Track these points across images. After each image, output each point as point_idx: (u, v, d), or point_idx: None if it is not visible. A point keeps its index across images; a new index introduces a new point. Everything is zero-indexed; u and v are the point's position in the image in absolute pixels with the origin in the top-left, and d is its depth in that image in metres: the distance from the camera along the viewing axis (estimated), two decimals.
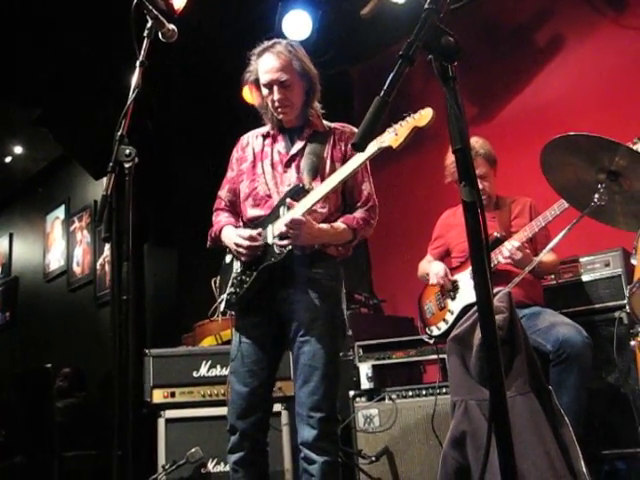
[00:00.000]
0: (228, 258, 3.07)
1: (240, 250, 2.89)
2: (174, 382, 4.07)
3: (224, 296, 2.98)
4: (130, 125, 2.32)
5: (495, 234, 3.66)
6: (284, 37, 5.22)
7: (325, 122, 3.09)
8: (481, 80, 5.28)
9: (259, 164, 3.04)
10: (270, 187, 2.97)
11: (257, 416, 2.88)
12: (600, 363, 3.61)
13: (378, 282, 5.93)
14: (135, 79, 2.38)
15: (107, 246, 7.28)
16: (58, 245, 8.58)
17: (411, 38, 1.37)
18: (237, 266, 2.99)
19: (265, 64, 2.96)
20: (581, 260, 3.93)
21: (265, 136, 3.11)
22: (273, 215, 2.90)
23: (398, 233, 5.70)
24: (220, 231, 3.05)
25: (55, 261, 8.58)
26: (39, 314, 8.68)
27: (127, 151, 2.24)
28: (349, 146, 2.94)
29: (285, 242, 2.79)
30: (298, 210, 2.77)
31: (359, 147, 1.37)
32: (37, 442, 4.70)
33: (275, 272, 2.85)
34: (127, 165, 2.24)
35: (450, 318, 3.79)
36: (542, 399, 2.66)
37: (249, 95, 5.72)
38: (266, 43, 3.02)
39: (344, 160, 2.94)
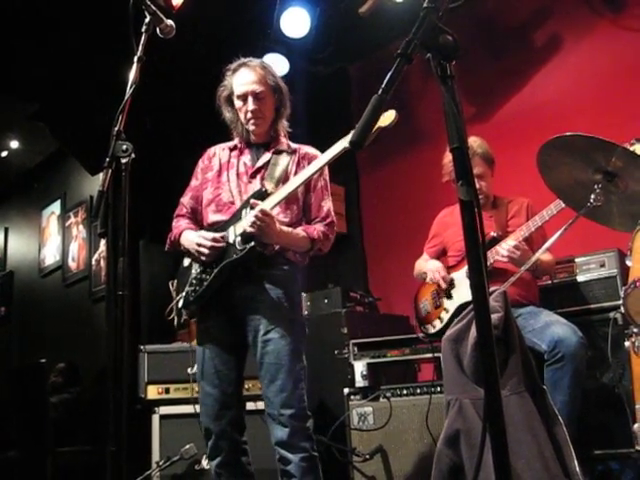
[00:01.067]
0: (186, 261, 3.14)
1: (202, 250, 2.96)
2: (169, 378, 4.09)
3: (182, 294, 3.04)
4: (128, 121, 2.33)
5: (492, 233, 3.67)
6: (282, 34, 5.23)
7: (289, 142, 3.19)
8: (478, 80, 5.29)
9: (224, 173, 3.14)
10: (234, 194, 3.07)
11: (231, 416, 2.93)
12: (595, 363, 3.62)
13: (374, 280, 5.94)
14: (133, 75, 2.38)
15: (103, 242, 7.27)
16: (54, 240, 8.56)
17: (409, 36, 1.37)
18: (196, 267, 3.06)
19: (241, 77, 3.10)
20: (577, 260, 3.93)
21: (232, 149, 3.20)
22: (235, 218, 2.99)
23: (394, 231, 5.71)
24: (180, 235, 3.13)
25: (50, 256, 8.56)
26: (34, 309, 8.66)
27: (124, 147, 2.25)
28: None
29: (251, 230, 2.83)
30: (265, 205, 2.85)
31: (357, 145, 1.36)
32: (31, 437, 4.70)
33: (236, 270, 2.91)
34: (124, 161, 2.24)
35: (445, 316, 3.79)
36: (536, 398, 2.66)
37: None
38: (241, 60, 3.16)
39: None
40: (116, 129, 2.28)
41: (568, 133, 2.97)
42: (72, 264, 8.09)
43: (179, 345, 4.43)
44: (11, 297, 9.28)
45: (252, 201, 2.89)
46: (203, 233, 3.00)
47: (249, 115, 3.06)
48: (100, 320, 7.12)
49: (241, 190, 3.06)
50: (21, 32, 4.97)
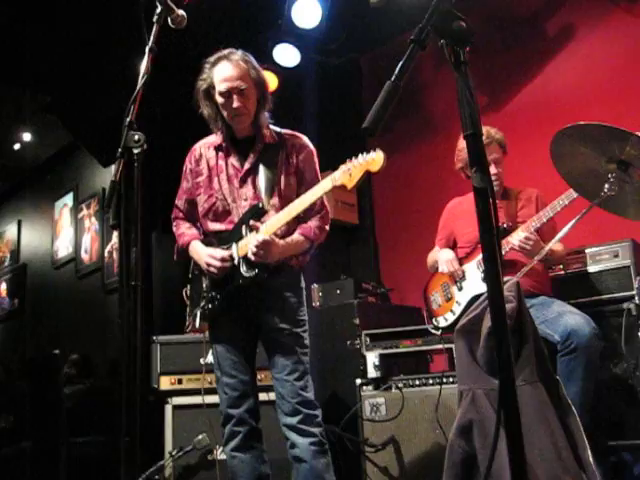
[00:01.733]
0: (197, 270, 3.19)
1: (212, 270, 3.02)
2: (181, 369, 4.10)
3: (198, 310, 3.11)
4: (139, 112, 2.32)
5: (501, 224, 3.65)
6: (294, 25, 5.21)
7: (273, 128, 3.16)
8: (491, 69, 5.26)
9: (215, 179, 3.13)
10: (229, 202, 3.08)
11: (249, 404, 3.03)
12: (608, 354, 3.59)
13: (386, 271, 5.93)
14: (144, 65, 2.37)
15: (115, 233, 7.30)
16: (66, 232, 8.59)
17: (423, 22, 1.36)
18: (206, 281, 3.12)
19: (223, 72, 3.01)
20: (589, 250, 3.90)
21: (217, 148, 3.17)
22: (236, 233, 3.01)
23: (406, 222, 5.70)
24: (187, 245, 3.18)
25: (63, 248, 8.60)
26: (47, 301, 8.72)
27: (136, 137, 2.24)
28: (300, 157, 3.10)
29: (254, 259, 2.89)
30: (262, 233, 2.89)
31: (370, 132, 1.35)
32: (45, 428, 4.72)
33: (244, 289, 3.00)
34: (136, 151, 2.24)
35: (457, 309, 3.78)
36: (550, 389, 2.65)
37: None
38: (221, 52, 3.07)
39: (297, 172, 3.09)
40: (128, 120, 2.27)
41: (581, 122, 2.95)
42: (85, 256, 8.13)
43: (192, 336, 4.42)
44: (24, 289, 9.34)
45: (251, 223, 2.94)
46: (212, 252, 3.03)
47: (234, 112, 3.01)
48: (113, 312, 7.16)
49: (235, 197, 3.07)
50: (33, 25, 4.98)
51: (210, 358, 4.06)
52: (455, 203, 4.10)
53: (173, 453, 3.93)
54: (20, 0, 4.79)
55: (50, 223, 8.92)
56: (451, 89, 1.46)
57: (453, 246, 4.01)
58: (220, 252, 3.01)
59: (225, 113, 3.05)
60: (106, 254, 7.64)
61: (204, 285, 3.12)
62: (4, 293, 9.71)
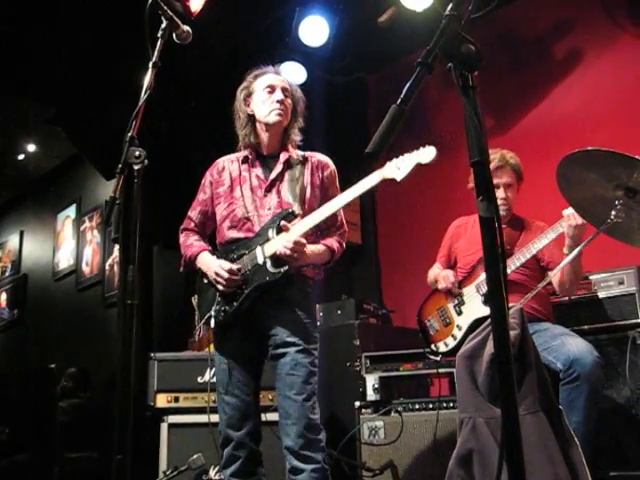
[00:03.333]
0: (206, 280, 3.13)
1: (219, 280, 2.98)
2: (178, 387, 4.06)
3: (212, 313, 3.05)
4: (143, 126, 2.30)
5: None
6: (301, 43, 5.21)
7: (297, 151, 3.20)
8: (498, 92, 5.24)
9: (237, 188, 3.12)
10: (249, 210, 3.05)
11: (249, 426, 2.96)
12: (611, 383, 3.55)
13: (388, 292, 5.88)
14: (147, 80, 2.36)
15: (117, 247, 7.28)
16: (68, 244, 8.58)
17: (430, 45, 1.33)
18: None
19: (269, 77, 3.15)
20: (595, 277, 3.86)
21: (242, 161, 3.18)
22: (261, 237, 2.98)
23: (409, 243, 5.66)
24: (195, 256, 3.14)
25: (64, 260, 8.58)
26: (47, 313, 8.68)
27: (137, 153, 2.22)
28: (325, 174, 3.14)
29: (286, 256, 2.86)
30: (293, 233, 2.88)
31: (373, 156, 1.32)
32: (39, 441, 4.67)
33: (266, 291, 2.94)
34: (136, 167, 2.21)
35: (459, 334, 3.73)
36: (552, 418, 2.61)
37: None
38: (265, 68, 3.21)
39: (322, 187, 3.12)
40: (129, 135, 2.25)
41: (589, 147, 2.92)
42: (86, 269, 8.10)
43: (190, 354, 4.40)
44: (24, 300, 9.32)
45: (283, 224, 2.90)
46: (222, 264, 2.99)
47: (275, 105, 3.06)
48: (112, 326, 7.12)
49: (256, 205, 3.05)
50: (39, 37, 4.99)
51: (207, 377, 4.05)
52: (460, 222, 4.07)
53: (167, 472, 3.88)
54: (27, 13, 4.79)
55: (52, 234, 8.92)
56: (457, 109, 1.43)
57: (453, 264, 3.98)
58: (228, 265, 2.97)
59: (264, 109, 3.09)
60: (107, 267, 7.61)
61: (215, 293, 3.05)
62: (4, 303, 9.68)
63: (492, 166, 3.65)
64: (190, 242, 3.20)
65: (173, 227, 6.34)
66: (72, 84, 5.50)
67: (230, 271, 2.95)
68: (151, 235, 6.22)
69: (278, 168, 3.09)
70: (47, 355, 7.80)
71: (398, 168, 2.72)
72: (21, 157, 8.43)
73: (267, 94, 3.08)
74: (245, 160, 3.16)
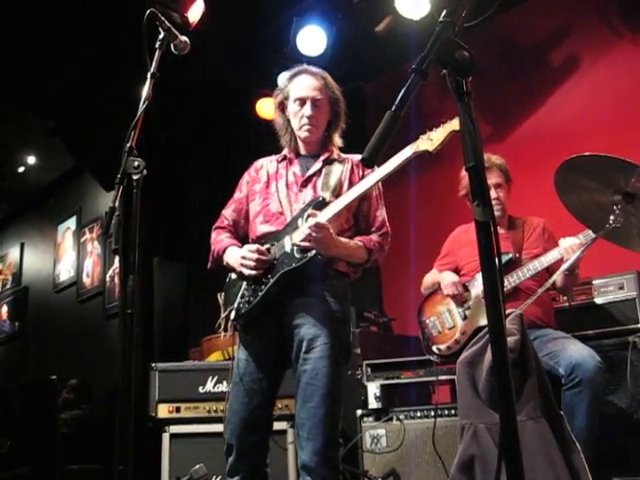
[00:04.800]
0: (234, 275, 3.01)
1: (246, 262, 2.83)
2: (180, 397, 4.05)
3: (234, 305, 2.90)
4: (142, 137, 2.30)
5: (509, 255, 3.62)
6: (299, 52, 5.23)
7: (338, 152, 3.10)
8: (495, 99, 5.25)
9: (273, 183, 3.03)
10: (283, 205, 2.95)
11: (255, 437, 2.81)
12: (612, 388, 3.55)
13: (388, 300, 5.88)
14: (145, 91, 2.36)
15: (117, 258, 7.28)
16: (69, 256, 8.58)
17: (425, 51, 1.34)
18: (244, 284, 2.94)
19: (302, 81, 3.03)
20: (595, 282, 3.86)
21: (280, 160, 3.10)
22: (290, 227, 2.86)
23: (409, 251, 5.66)
24: (223, 251, 3.01)
25: (65, 272, 8.59)
26: (48, 324, 8.68)
27: (135, 163, 2.22)
28: (366, 173, 2.94)
29: (306, 244, 2.72)
30: (321, 217, 2.74)
31: (368, 162, 1.33)
32: (40, 453, 4.67)
33: (292, 280, 2.79)
34: (135, 177, 2.22)
35: (462, 339, 3.72)
36: (553, 424, 2.61)
37: (263, 110, 5.71)
38: (303, 66, 3.11)
39: None
40: (128, 145, 2.25)
41: (586, 153, 2.93)
42: (86, 280, 8.11)
43: (191, 363, 4.40)
44: (25, 312, 9.31)
45: (310, 211, 2.79)
46: (249, 246, 2.89)
47: (304, 120, 2.97)
48: (113, 337, 7.11)
49: (291, 200, 2.95)
50: (38, 50, 5.01)
51: (209, 387, 4.05)
52: (461, 231, 4.07)
53: None
54: (25, 25, 4.81)
55: (53, 246, 8.92)
56: (454, 116, 1.43)
57: (456, 272, 3.97)
58: (256, 245, 2.86)
59: (295, 122, 3.01)
60: (108, 279, 7.61)
61: (244, 284, 2.92)
62: (5, 316, 9.68)
63: None
64: (220, 238, 3.08)
65: (173, 238, 6.35)
66: (71, 96, 5.52)
67: (258, 251, 2.82)
68: (151, 246, 6.23)
69: (317, 166, 3.00)
70: (48, 367, 7.80)
71: (430, 139, 2.61)
72: (21, 169, 8.45)
73: (298, 106, 2.99)
74: (284, 158, 3.09)
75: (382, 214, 3.02)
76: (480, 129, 1.41)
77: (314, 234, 2.68)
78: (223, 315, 2.99)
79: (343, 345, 2.81)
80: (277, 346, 2.85)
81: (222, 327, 2.97)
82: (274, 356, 2.86)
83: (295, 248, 2.78)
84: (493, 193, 3.75)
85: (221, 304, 3.04)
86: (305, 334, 2.74)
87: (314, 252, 2.73)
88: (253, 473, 2.81)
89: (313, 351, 2.72)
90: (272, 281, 2.80)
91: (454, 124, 2.55)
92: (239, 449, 2.79)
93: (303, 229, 2.73)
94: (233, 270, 2.98)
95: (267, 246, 2.87)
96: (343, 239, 2.83)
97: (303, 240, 2.72)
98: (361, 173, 2.99)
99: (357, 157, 3.06)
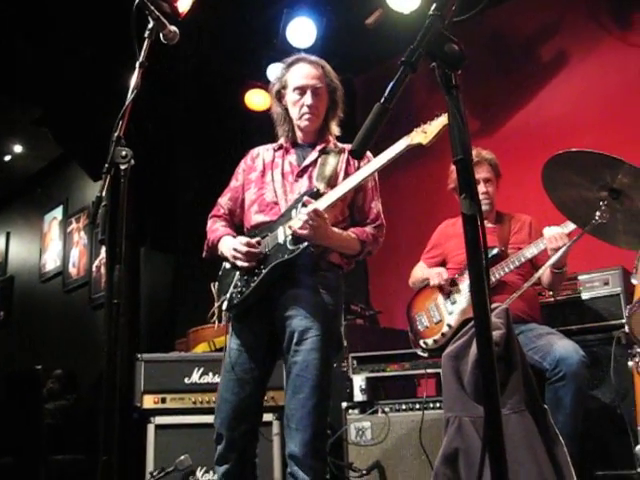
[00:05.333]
0: (228, 264, 3.01)
1: (237, 255, 2.84)
2: (165, 388, 4.03)
3: (227, 295, 2.91)
4: (130, 127, 2.30)
5: (495, 249, 3.63)
6: (288, 44, 5.22)
7: (335, 141, 3.09)
8: (484, 94, 5.26)
9: (268, 172, 3.03)
10: (278, 195, 2.95)
11: (245, 426, 2.82)
12: (596, 383, 3.57)
13: (375, 293, 5.89)
14: (134, 80, 2.35)
15: (104, 248, 7.25)
16: (55, 245, 8.54)
17: (414, 44, 1.34)
18: (237, 274, 2.94)
19: (301, 70, 3.01)
20: (580, 278, 3.89)
21: (277, 149, 3.10)
22: (284, 218, 2.86)
23: (396, 244, 5.65)
24: (218, 240, 3.01)
25: (51, 261, 8.55)
26: (34, 314, 8.65)
27: (123, 152, 2.22)
28: (362, 164, 2.91)
29: (303, 232, 2.71)
30: (317, 205, 2.72)
31: (357, 154, 1.33)
32: (25, 444, 4.65)
33: (285, 272, 2.79)
34: (123, 167, 2.21)
35: (448, 332, 3.73)
36: (537, 418, 2.62)
37: (252, 101, 5.69)
38: (299, 54, 3.11)
39: None
40: (116, 135, 2.25)
41: (574, 149, 2.94)
42: (73, 270, 8.07)
43: (177, 354, 4.39)
44: (11, 302, 9.27)
45: (305, 199, 2.77)
46: (240, 238, 2.89)
47: (304, 109, 2.96)
48: (99, 327, 7.09)
49: (286, 190, 2.94)
50: (25, 38, 4.97)
51: (194, 378, 4.04)
52: (448, 224, 4.08)
53: (154, 473, 3.86)
54: (13, 14, 4.77)
55: (39, 236, 8.88)
56: (444, 110, 1.44)
57: (442, 266, 3.98)
58: (247, 238, 2.86)
59: (295, 112, 3.00)
60: (94, 269, 7.59)
61: (237, 274, 2.92)
62: None
63: None
64: (215, 227, 3.08)
65: (160, 229, 6.32)
66: (58, 84, 5.48)
67: (248, 244, 2.83)
68: (138, 236, 6.21)
69: (313, 155, 2.99)
70: (34, 357, 7.76)
71: (424, 132, 2.61)
72: (7, 158, 8.40)
73: (298, 95, 2.97)
74: (280, 147, 3.09)
75: (377, 206, 3.01)
76: (468, 123, 1.41)
77: (311, 221, 2.67)
78: (216, 305, 2.99)
79: (334, 337, 2.82)
80: (269, 337, 2.86)
81: (215, 316, 2.98)
82: (266, 346, 2.87)
83: (288, 239, 2.78)
84: (482, 187, 3.77)
85: (214, 293, 3.04)
86: (297, 326, 2.75)
87: (306, 244, 2.72)
88: (242, 462, 2.82)
89: (304, 343, 2.72)
90: (264, 272, 2.80)
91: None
92: (229, 438, 2.80)
93: (300, 216, 2.72)
94: (227, 260, 2.97)
95: (258, 239, 2.87)
96: (337, 230, 2.83)
97: (300, 228, 2.71)
98: (357, 164, 2.96)
99: None
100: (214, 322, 3.00)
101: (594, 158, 2.89)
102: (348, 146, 3.02)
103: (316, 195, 2.80)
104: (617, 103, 4.71)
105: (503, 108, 5.34)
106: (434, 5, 1.37)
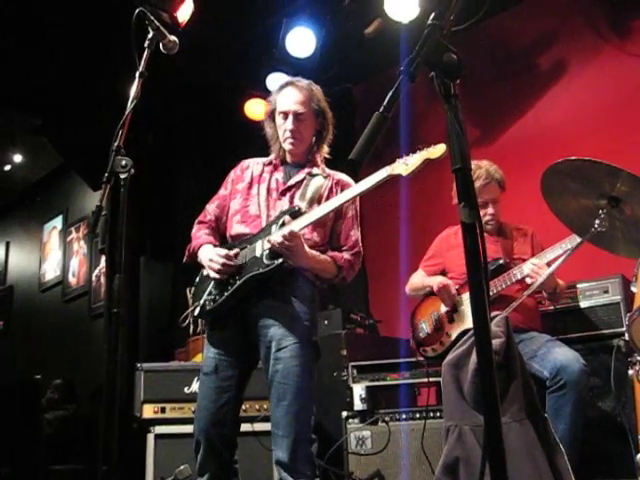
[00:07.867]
0: (205, 271, 3.06)
1: (213, 265, 2.91)
2: (165, 397, 4.03)
3: (200, 302, 2.98)
4: (129, 136, 2.30)
5: (501, 260, 3.64)
6: (288, 54, 5.23)
7: (323, 166, 3.15)
8: (483, 103, 5.27)
9: (255, 186, 3.11)
10: (261, 209, 3.03)
11: (223, 433, 2.86)
12: (596, 391, 3.57)
13: (375, 302, 5.88)
14: (134, 90, 2.36)
15: (103, 258, 7.25)
16: (54, 255, 8.54)
17: (413, 54, 1.35)
18: (213, 281, 3.00)
19: (286, 94, 3.08)
20: (580, 286, 3.89)
21: (267, 164, 3.17)
22: (263, 233, 2.93)
23: (396, 253, 5.66)
24: (199, 248, 3.08)
25: (51, 271, 8.54)
26: (33, 324, 8.63)
27: (123, 162, 2.23)
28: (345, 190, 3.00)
29: (279, 249, 2.78)
30: (294, 226, 2.81)
31: (356, 164, 1.33)
32: (24, 454, 4.64)
33: (259, 285, 2.86)
34: (122, 176, 2.22)
35: (447, 341, 3.74)
36: (537, 426, 2.62)
37: (251, 110, 5.71)
38: (291, 78, 3.19)
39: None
40: (115, 144, 2.26)
41: (573, 157, 2.94)
42: (72, 279, 8.07)
43: (176, 364, 4.39)
44: (10, 311, 9.26)
45: (285, 218, 2.87)
46: (218, 250, 2.95)
47: (287, 134, 3.03)
48: (99, 337, 7.09)
49: (269, 205, 3.03)
50: (25, 47, 4.98)
51: (194, 387, 4.03)
52: (449, 233, 4.07)
53: None
54: (12, 23, 4.79)
55: (38, 245, 8.87)
56: (443, 121, 1.44)
57: (441, 275, 3.97)
58: (225, 251, 2.93)
59: (280, 133, 3.08)
60: (94, 278, 7.58)
61: (212, 282, 2.98)
62: None
63: (478, 185, 3.68)
64: (199, 234, 3.14)
65: (160, 238, 6.32)
66: (58, 94, 5.49)
67: (226, 256, 2.89)
68: (138, 246, 6.21)
69: (299, 176, 3.06)
70: (33, 366, 7.74)
71: (406, 164, 2.68)
72: (7, 168, 8.40)
73: (282, 119, 3.06)
74: (270, 163, 3.16)
75: (356, 234, 3.09)
76: (467, 132, 1.41)
77: (287, 242, 2.75)
78: (189, 310, 3.07)
79: (312, 344, 2.88)
80: (244, 345, 2.93)
81: (188, 320, 3.05)
82: (241, 355, 2.93)
83: (265, 254, 2.86)
84: (490, 209, 3.77)
85: (189, 298, 3.12)
86: (273, 334, 2.82)
87: (282, 260, 2.80)
88: (222, 470, 2.87)
89: (283, 351, 2.79)
90: (239, 283, 2.88)
91: (430, 152, 2.63)
92: (206, 446, 2.85)
93: (276, 236, 2.79)
94: (204, 268, 3.04)
95: (236, 251, 2.94)
96: (314, 252, 2.91)
97: (274, 244, 2.78)
98: (339, 191, 3.04)
99: (340, 175, 3.13)
100: (185, 325, 3.07)
101: (593, 166, 2.89)
102: (335, 173, 3.13)
103: (296, 214, 2.88)
104: (616, 112, 4.71)
105: (502, 117, 5.35)
106: (433, 14, 1.37)
